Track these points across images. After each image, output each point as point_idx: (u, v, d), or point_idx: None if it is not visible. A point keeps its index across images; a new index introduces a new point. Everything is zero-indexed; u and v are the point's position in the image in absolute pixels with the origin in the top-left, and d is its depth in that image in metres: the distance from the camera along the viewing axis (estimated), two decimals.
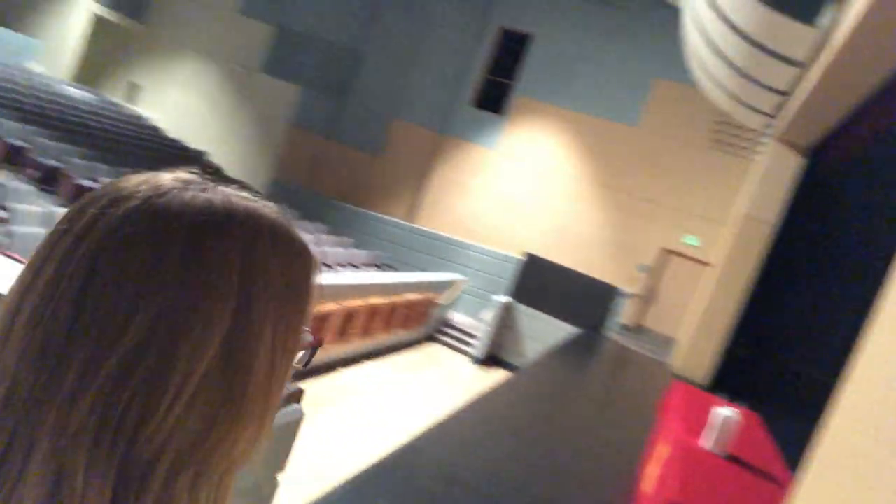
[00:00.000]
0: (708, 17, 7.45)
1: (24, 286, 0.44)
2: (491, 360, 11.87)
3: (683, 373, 9.97)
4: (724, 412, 3.68)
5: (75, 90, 15.32)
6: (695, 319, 10.12)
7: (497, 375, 10.63)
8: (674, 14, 11.60)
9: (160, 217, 0.44)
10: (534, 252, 12.93)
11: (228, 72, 17.28)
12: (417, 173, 15.67)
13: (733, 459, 3.63)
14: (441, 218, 15.24)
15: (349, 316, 8.37)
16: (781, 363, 11.46)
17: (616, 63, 14.08)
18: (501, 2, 15.25)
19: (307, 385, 7.74)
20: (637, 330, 13.28)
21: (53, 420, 0.41)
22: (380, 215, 15.19)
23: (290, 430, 3.15)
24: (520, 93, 14.94)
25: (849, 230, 11.32)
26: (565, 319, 11.70)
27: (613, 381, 9.20)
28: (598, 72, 14.21)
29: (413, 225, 15.04)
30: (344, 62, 16.46)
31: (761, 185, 9.81)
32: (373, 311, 9.09)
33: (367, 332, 9.15)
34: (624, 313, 12.60)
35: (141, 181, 0.47)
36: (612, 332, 11.88)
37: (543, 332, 11.69)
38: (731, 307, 9.81)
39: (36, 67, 16.00)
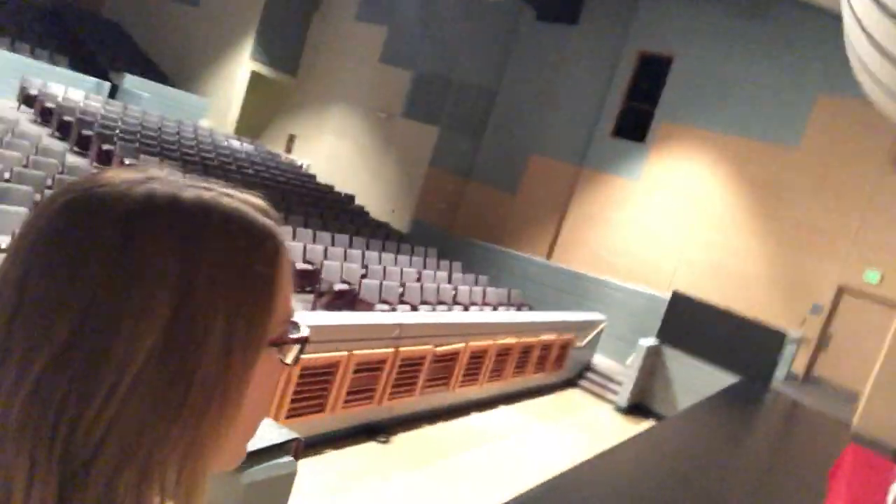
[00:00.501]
0: (871, 15, 6.43)
1: None
2: (637, 408, 10.96)
3: (866, 433, 8.52)
4: None
5: (237, 142, 16.73)
6: (882, 370, 8.66)
7: (644, 426, 9.76)
8: (833, 21, 10.32)
9: (92, 208, 0.44)
10: (683, 290, 11.89)
11: (372, 118, 18.05)
12: (556, 209, 15.21)
13: None
14: (581, 255, 14.61)
15: (476, 356, 8.08)
16: None
17: (770, 80, 12.82)
18: (640, 26, 14.58)
19: (437, 428, 7.60)
20: (808, 381, 11.69)
21: None
22: (517, 253, 14.87)
23: (280, 486, 2.79)
24: (662, 118, 14.07)
25: None
26: (723, 366, 10.53)
27: (777, 440, 8.04)
28: (750, 90, 13.02)
29: (551, 262, 14.54)
30: (479, 102, 16.57)
31: None
32: (505, 352, 8.74)
33: (498, 373, 8.79)
34: (792, 361, 11.15)
35: (113, 174, 0.47)
36: (778, 383, 10.51)
37: (697, 379, 10.60)
38: None
39: (205, 123, 17.74)
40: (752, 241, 12.73)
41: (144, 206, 0.44)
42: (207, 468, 0.47)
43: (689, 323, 11.15)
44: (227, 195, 0.49)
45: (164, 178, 0.48)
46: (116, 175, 0.47)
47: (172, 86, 18.59)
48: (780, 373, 10.55)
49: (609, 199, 14.57)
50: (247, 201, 0.51)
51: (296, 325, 0.52)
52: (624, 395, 10.74)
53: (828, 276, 11.86)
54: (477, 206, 16.49)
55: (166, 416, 0.43)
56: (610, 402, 11.01)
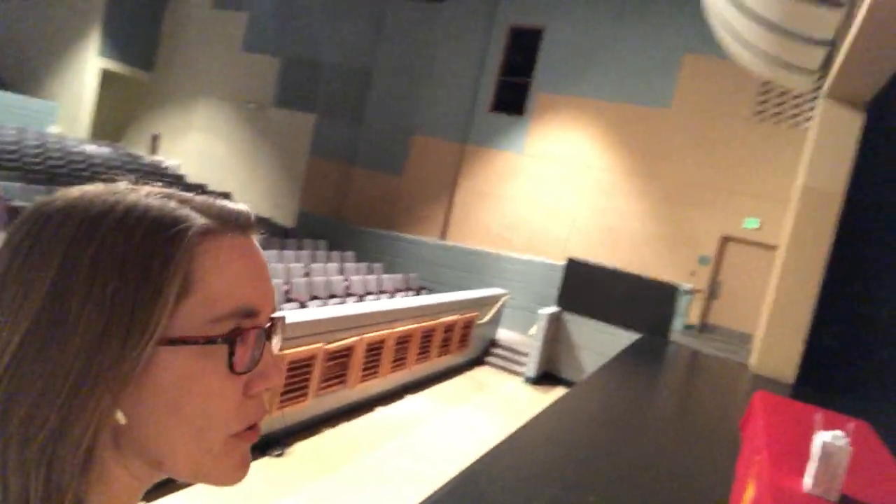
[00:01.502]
0: None
1: None
2: (546, 377, 10.88)
3: (764, 372, 8.81)
4: (830, 441, 2.68)
5: (92, 147, 15.17)
6: (769, 310, 8.96)
7: (555, 394, 9.65)
8: None
9: (31, 213, 0.48)
10: (578, 256, 11.92)
11: (242, 110, 16.93)
12: (445, 188, 14.88)
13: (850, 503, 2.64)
14: (475, 232, 14.39)
15: (374, 347, 7.57)
16: (876, 348, 10.12)
17: (638, 44, 13.04)
18: (507, 0, 14.45)
19: (339, 431, 7.03)
20: (705, 329, 12.08)
21: None
22: (410, 236, 14.44)
23: None
24: (538, 90, 14.03)
25: None
26: (623, 326, 10.62)
27: (684, 391, 8.10)
28: (620, 56, 13.20)
29: (446, 242, 14.22)
30: (354, 84, 15.90)
31: (817, 150, 8.64)
32: (405, 339, 8.28)
33: (401, 362, 8.33)
34: (688, 313, 11.45)
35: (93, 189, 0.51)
36: (677, 335, 10.74)
37: (600, 342, 10.65)
38: (808, 291, 8.63)
39: (55, 129, 15.98)
40: (637, 201, 12.96)
41: (64, 204, 0.48)
42: (128, 458, 0.48)
43: (587, 288, 11.17)
44: (167, 196, 0.51)
45: (124, 190, 0.50)
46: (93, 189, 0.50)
47: (12, 91, 16.61)
48: (677, 325, 10.78)
49: (496, 174, 14.41)
50: (189, 200, 0.51)
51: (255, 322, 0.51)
52: (532, 366, 10.61)
53: (711, 227, 12.26)
54: (365, 192, 15.88)
55: (48, 395, 0.44)
56: (519, 374, 10.86)
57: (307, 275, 10.11)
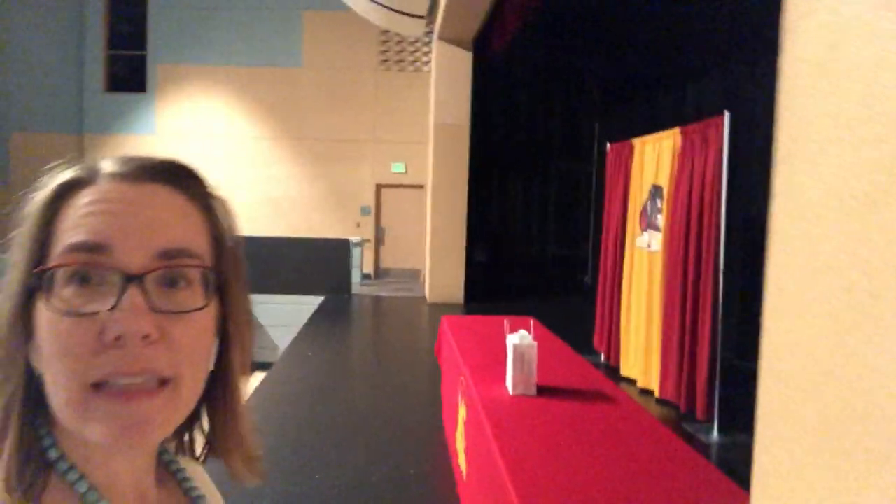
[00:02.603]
0: None
1: None
2: None
3: (438, 299, 9.53)
4: (519, 342, 2.83)
5: None
6: (431, 243, 9.67)
7: (254, 381, 9.10)
8: None
9: None
10: (243, 234, 11.28)
11: None
12: None
13: (547, 393, 2.85)
14: None
15: None
16: (514, 257, 11.74)
17: (253, 4, 12.57)
18: None
19: None
20: (380, 276, 12.62)
21: None
22: None
23: None
24: (157, 61, 12.68)
25: (519, 118, 11.76)
26: (304, 292, 10.47)
27: (378, 336, 8.33)
28: (238, 19, 12.58)
29: None
30: None
31: (439, 89, 9.44)
32: None
33: None
34: (363, 262, 11.79)
35: None
36: (358, 286, 11.00)
37: (286, 314, 10.36)
38: (458, 218, 9.51)
39: None
40: (289, 166, 12.75)
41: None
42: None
43: (258, 263, 10.69)
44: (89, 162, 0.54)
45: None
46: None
47: None
48: (355, 277, 11.03)
49: None
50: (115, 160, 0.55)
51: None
52: None
53: (364, 178, 12.70)
54: None
55: None
56: None
57: None
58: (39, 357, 0.49)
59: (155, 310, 0.49)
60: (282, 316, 10.39)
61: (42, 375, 0.49)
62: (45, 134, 12.62)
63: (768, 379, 0.78)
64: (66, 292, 0.48)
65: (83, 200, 0.50)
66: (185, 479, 0.63)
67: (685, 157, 4.93)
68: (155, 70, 12.67)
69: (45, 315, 0.48)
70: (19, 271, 0.49)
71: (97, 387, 0.47)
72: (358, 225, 12.57)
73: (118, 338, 0.47)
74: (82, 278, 0.48)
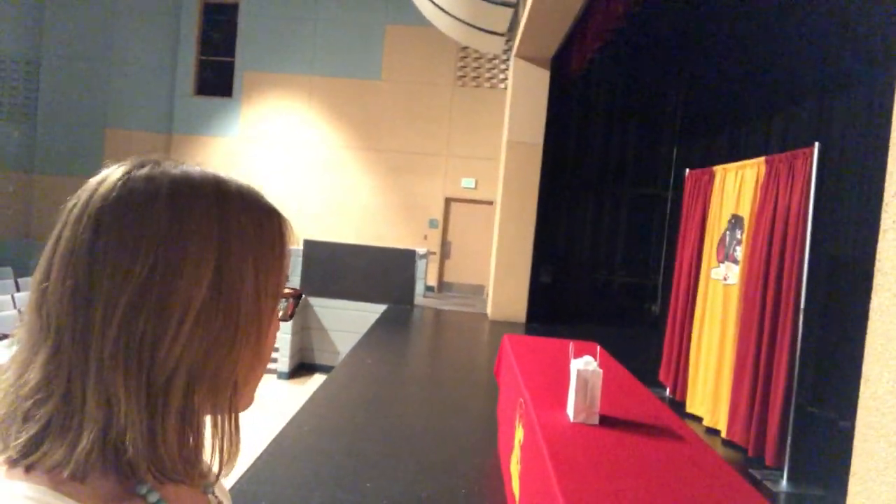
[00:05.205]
0: None
1: (50, 252, 0.53)
2: (301, 368, 10.43)
3: (500, 316, 9.45)
4: (583, 368, 2.75)
5: None
6: (496, 259, 9.61)
7: (314, 383, 9.27)
8: None
9: (144, 181, 0.53)
10: (313, 237, 11.56)
11: None
12: None
13: (609, 423, 2.75)
14: None
15: None
16: (578, 279, 11.51)
17: (338, 15, 12.93)
18: None
19: None
20: (443, 289, 12.65)
21: (94, 353, 0.50)
22: None
23: None
24: (244, 68, 13.21)
25: (594, 139, 11.58)
26: (369, 299, 10.59)
27: (437, 349, 8.32)
28: (322, 30, 12.97)
29: None
30: (18, 79, 13.30)
31: (514, 107, 9.40)
32: None
33: None
34: (426, 275, 11.85)
35: (114, 168, 0.56)
36: (420, 298, 11.05)
37: (350, 320, 10.49)
38: (525, 237, 9.42)
39: None
40: (363, 175, 12.99)
41: (183, 180, 0.55)
42: (251, 388, 0.61)
43: (328, 268, 10.91)
44: (233, 177, 0.61)
45: (168, 162, 0.57)
46: (139, 159, 0.57)
47: None
48: (419, 289, 11.07)
49: (211, 161, 13.12)
50: (241, 181, 0.63)
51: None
52: (284, 361, 10.08)
53: (434, 191, 12.80)
54: (55, 202, 13.35)
55: (223, 345, 0.54)
56: (272, 372, 10.25)
57: None
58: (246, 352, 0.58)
59: None
60: (345, 321, 10.53)
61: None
62: (137, 132, 13.32)
63: (865, 430, 0.71)
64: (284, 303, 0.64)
65: (289, 238, 0.66)
66: None
67: (769, 188, 4.71)
68: (241, 76, 13.19)
69: (274, 317, 0.61)
70: (276, 278, 0.61)
71: None
72: (425, 237, 12.66)
73: None
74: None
